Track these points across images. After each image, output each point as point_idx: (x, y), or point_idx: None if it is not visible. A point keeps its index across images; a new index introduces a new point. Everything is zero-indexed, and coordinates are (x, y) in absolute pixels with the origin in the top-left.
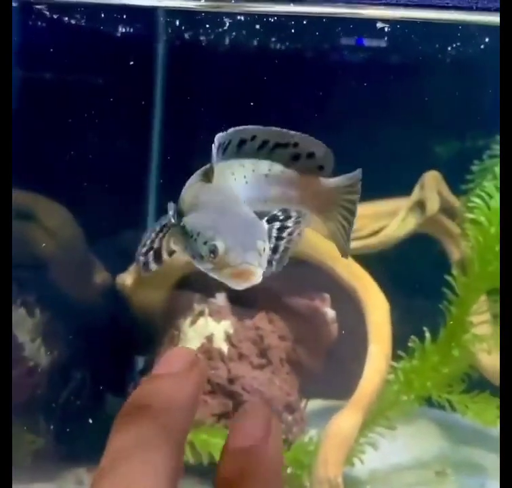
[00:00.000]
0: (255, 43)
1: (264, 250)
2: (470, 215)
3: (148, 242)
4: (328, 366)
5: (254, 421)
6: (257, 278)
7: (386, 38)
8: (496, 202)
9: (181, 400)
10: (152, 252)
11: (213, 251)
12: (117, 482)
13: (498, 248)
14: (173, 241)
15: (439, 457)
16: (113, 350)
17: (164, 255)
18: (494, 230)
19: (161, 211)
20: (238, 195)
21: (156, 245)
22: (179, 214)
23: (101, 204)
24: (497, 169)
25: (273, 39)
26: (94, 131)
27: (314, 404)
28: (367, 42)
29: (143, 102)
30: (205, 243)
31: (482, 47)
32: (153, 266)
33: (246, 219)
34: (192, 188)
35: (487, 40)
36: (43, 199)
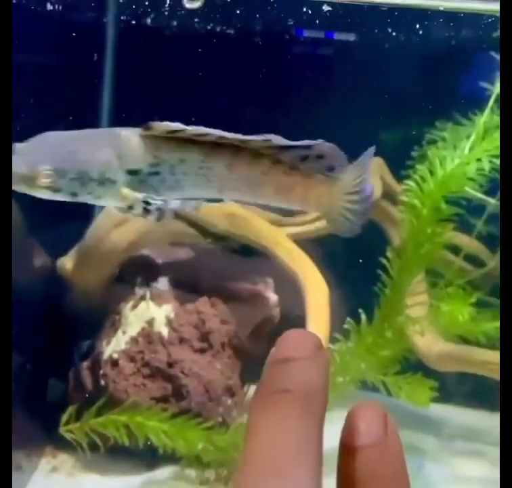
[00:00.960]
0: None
1: None
2: (404, 198)
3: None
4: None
5: (372, 419)
6: None
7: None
8: (428, 186)
9: (318, 383)
10: None
11: None
12: (268, 467)
13: (429, 230)
14: None
15: None
16: (54, 334)
17: None
18: (427, 212)
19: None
20: None
21: None
22: None
23: None
24: (430, 152)
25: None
26: (40, 111)
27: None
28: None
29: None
30: None
31: (422, 32)
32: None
33: None
34: None
35: (432, 24)
36: None
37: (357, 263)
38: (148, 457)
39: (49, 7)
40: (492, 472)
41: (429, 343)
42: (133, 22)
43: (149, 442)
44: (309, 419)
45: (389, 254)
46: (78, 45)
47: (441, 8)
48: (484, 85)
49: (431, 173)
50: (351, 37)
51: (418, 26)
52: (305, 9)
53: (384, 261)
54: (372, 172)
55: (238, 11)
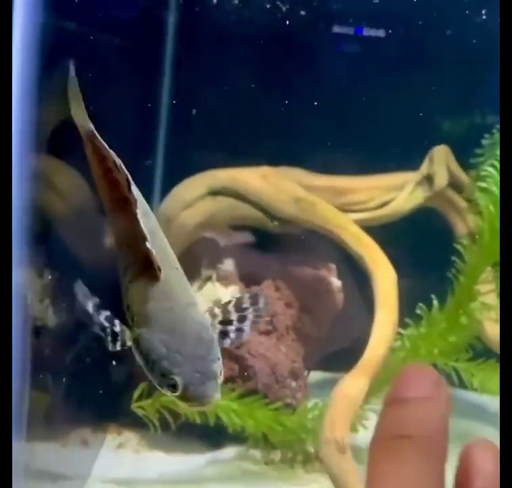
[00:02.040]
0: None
1: (220, 373)
2: (482, 184)
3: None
4: (332, 336)
5: (423, 377)
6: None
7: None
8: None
9: (439, 425)
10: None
11: (173, 385)
12: None
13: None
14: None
15: None
16: (121, 311)
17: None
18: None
19: (168, 172)
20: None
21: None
22: (130, 320)
23: None
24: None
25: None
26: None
27: (315, 375)
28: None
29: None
30: (163, 376)
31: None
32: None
33: (198, 337)
34: (138, 290)
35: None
36: (54, 161)
37: (423, 250)
38: (213, 437)
39: None
40: None
41: None
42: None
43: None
44: (432, 465)
45: (463, 240)
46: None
47: None
48: None
49: None
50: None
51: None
52: None
53: (459, 247)
54: (438, 160)
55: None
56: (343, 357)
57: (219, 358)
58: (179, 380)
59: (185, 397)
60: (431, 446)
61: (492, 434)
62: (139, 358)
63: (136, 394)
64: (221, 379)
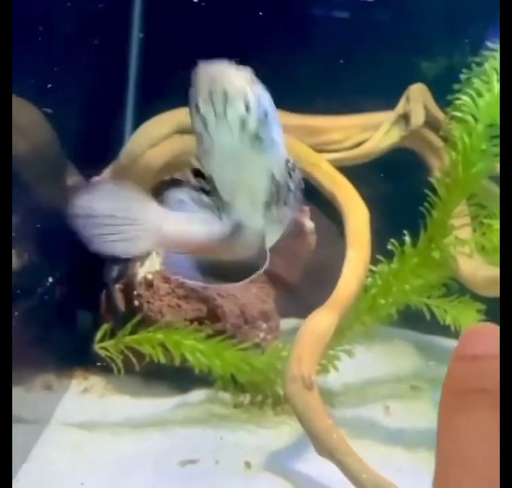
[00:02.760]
0: None
1: None
2: (456, 113)
3: None
4: (304, 281)
5: (492, 335)
6: None
7: None
8: (484, 101)
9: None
10: None
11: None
12: (474, 470)
13: (484, 146)
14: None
15: (414, 373)
16: (85, 256)
17: None
18: (481, 127)
19: (138, 115)
20: None
21: None
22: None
23: (76, 105)
24: (488, 65)
25: None
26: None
27: (290, 323)
28: None
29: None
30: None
31: None
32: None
33: None
34: None
35: None
36: (14, 97)
37: (397, 189)
38: (181, 380)
39: None
40: None
41: (475, 268)
42: None
43: (183, 363)
44: (499, 419)
45: (437, 174)
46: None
47: None
48: None
49: (488, 87)
50: None
51: None
52: None
53: (432, 180)
54: (414, 99)
55: None
56: (318, 305)
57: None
58: None
59: None
60: (499, 401)
61: None
62: None
63: (99, 335)
64: None
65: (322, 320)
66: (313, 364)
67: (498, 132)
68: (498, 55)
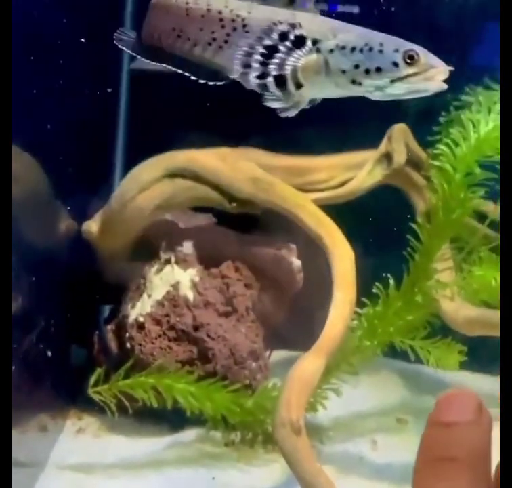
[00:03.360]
0: None
1: None
2: (435, 163)
3: (256, 64)
4: (293, 316)
5: (466, 401)
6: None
7: None
8: (461, 150)
9: (483, 448)
10: (271, 78)
11: (412, 56)
12: None
13: (462, 195)
14: (303, 75)
15: (400, 405)
16: (78, 298)
17: (291, 87)
18: (459, 176)
19: (129, 160)
20: None
21: (275, 71)
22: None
23: (67, 149)
24: (463, 115)
25: None
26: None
27: (279, 355)
28: None
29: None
30: (396, 51)
31: None
32: (275, 90)
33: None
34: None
35: None
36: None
37: (381, 229)
38: (173, 420)
39: None
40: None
41: (457, 308)
42: None
43: (175, 405)
44: (476, 485)
45: (418, 219)
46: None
47: None
48: None
49: (464, 136)
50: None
51: None
52: None
53: (414, 226)
54: (396, 139)
55: None
56: (306, 336)
57: None
58: (417, 48)
59: (427, 64)
60: (476, 469)
61: None
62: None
63: (92, 379)
64: None
65: (310, 365)
66: (301, 409)
67: (475, 180)
68: (474, 104)
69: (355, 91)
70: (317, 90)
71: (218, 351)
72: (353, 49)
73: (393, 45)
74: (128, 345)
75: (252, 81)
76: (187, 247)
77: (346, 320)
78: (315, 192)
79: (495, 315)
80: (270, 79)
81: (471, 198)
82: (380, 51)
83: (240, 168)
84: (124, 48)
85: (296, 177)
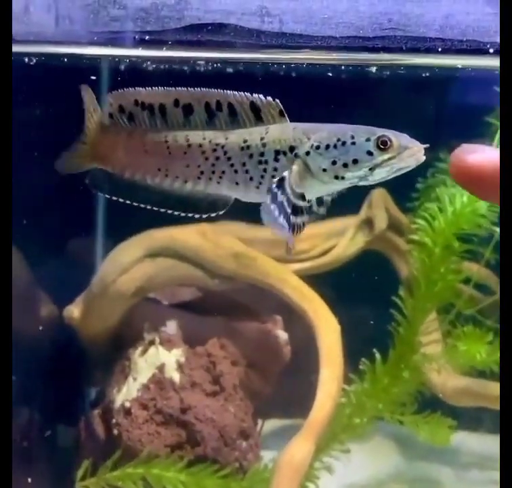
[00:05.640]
0: None
1: None
2: (414, 237)
3: (277, 211)
4: (283, 385)
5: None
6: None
7: None
8: (439, 224)
9: None
10: (284, 212)
11: (384, 141)
12: None
13: (443, 269)
14: (295, 184)
15: (395, 475)
16: (63, 382)
17: (299, 202)
18: (439, 250)
19: (107, 242)
20: None
21: (285, 202)
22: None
23: (46, 235)
24: (439, 190)
25: None
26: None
27: (271, 424)
28: None
29: None
30: (368, 140)
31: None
32: (300, 221)
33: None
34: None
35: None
36: None
37: (367, 297)
38: None
39: None
40: None
41: (445, 379)
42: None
43: None
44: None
45: (401, 293)
46: None
47: None
48: (489, 119)
49: (441, 210)
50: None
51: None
52: None
53: (397, 300)
54: (376, 204)
55: None
56: (298, 403)
57: None
58: (388, 134)
59: (401, 146)
60: None
61: (448, 473)
62: (310, 165)
63: (80, 472)
64: None
65: (299, 449)
66: None
67: (455, 253)
68: (448, 177)
69: (341, 185)
70: (311, 192)
71: (207, 433)
72: (327, 146)
73: (364, 134)
74: (115, 431)
75: (285, 224)
76: (171, 327)
77: (334, 398)
78: (297, 263)
79: (484, 385)
80: (294, 219)
81: (452, 270)
82: (353, 143)
83: (222, 244)
84: (99, 193)
85: (277, 249)
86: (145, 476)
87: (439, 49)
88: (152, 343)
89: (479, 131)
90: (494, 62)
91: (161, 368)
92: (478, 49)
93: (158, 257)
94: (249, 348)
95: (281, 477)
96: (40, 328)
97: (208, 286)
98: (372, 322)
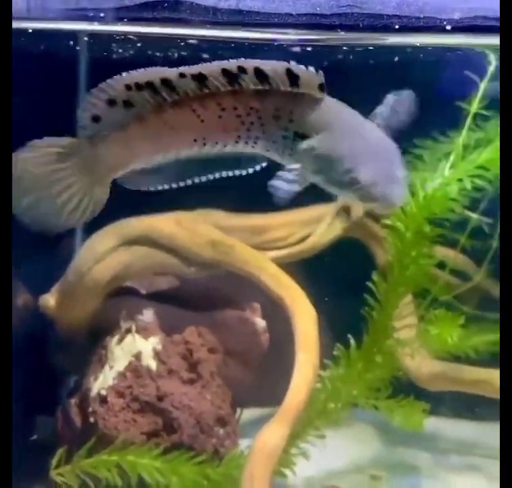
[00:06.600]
0: None
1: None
2: (387, 222)
3: None
4: (262, 374)
5: None
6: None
7: None
8: (410, 208)
9: None
10: None
11: (356, 179)
12: None
13: (414, 253)
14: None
15: (373, 460)
16: (40, 372)
17: None
18: (410, 235)
19: (85, 230)
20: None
21: None
22: (300, 135)
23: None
24: (411, 174)
25: None
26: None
27: (251, 412)
28: None
29: None
30: (347, 172)
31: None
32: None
33: (380, 143)
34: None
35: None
36: None
37: (343, 283)
38: None
39: None
40: (489, 486)
41: (419, 364)
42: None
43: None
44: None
45: (374, 277)
46: None
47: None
48: (461, 104)
49: (413, 195)
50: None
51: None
52: None
53: (370, 284)
54: None
55: None
56: (279, 391)
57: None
58: (363, 175)
59: (368, 194)
60: None
61: (427, 458)
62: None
63: (54, 460)
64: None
65: (273, 434)
66: (265, 482)
67: (426, 237)
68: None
69: None
70: None
71: (183, 421)
72: None
73: (344, 166)
74: (91, 419)
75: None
76: (148, 315)
77: (310, 383)
78: (274, 250)
79: (458, 370)
80: None
81: (424, 254)
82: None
83: (198, 232)
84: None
85: (255, 236)
86: (120, 463)
87: (397, 26)
88: (128, 331)
89: (447, 114)
90: (451, 40)
91: (138, 356)
92: (435, 26)
93: (133, 245)
94: (227, 335)
95: (254, 463)
96: (16, 317)
97: (185, 274)
98: (350, 308)
